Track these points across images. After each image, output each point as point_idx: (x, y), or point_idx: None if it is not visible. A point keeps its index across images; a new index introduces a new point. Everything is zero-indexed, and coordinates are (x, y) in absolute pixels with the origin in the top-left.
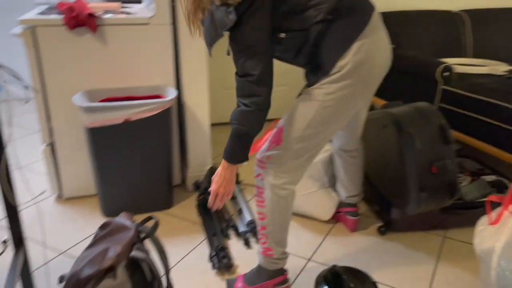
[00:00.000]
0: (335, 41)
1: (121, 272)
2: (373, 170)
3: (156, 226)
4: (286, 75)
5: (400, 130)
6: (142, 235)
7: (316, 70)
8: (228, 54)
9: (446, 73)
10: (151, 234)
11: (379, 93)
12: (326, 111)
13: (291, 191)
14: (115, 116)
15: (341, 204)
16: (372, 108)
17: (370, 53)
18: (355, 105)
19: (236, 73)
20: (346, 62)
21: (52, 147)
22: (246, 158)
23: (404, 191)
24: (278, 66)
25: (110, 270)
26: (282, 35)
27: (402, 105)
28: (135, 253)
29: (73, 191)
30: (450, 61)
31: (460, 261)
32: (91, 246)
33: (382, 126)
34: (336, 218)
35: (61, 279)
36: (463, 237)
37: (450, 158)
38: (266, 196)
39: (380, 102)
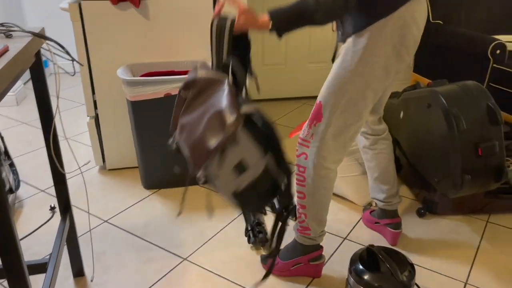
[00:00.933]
0: None
1: (240, 134)
2: (415, 150)
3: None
4: (320, 54)
5: (445, 110)
6: None
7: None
8: None
9: (498, 51)
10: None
11: (425, 72)
12: (360, 79)
13: (333, 171)
14: (157, 90)
15: (379, 214)
16: (416, 87)
17: (409, 22)
18: (388, 74)
19: None
20: (381, 25)
21: (96, 120)
22: (283, 33)
23: (447, 173)
24: (314, 43)
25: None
26: None
27: (448, 84)
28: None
29: (116, 163)
30: (503, 38)
31: (503, 247)
32: (187, 110)
33: (426, 105)
34: (375, 229)
35: (169, 145)
36: (508, 223)
37: (498, 139)
38: (308, 175)
39: (425, 80)
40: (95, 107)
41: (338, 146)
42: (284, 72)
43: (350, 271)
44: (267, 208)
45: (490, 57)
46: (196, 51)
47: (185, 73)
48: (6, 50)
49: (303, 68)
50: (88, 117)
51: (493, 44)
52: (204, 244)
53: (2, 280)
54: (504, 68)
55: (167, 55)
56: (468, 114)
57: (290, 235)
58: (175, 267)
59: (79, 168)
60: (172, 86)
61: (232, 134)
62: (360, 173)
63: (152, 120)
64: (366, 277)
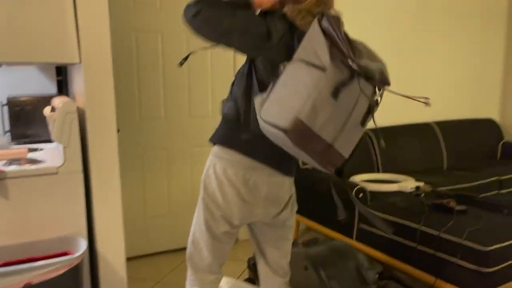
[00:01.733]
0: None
1: None
2: None
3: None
4: None
5: (319, 274)
6: None
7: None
8: None
9: (361, 194)
10: None
11: (305, 213)
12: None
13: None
14: (12, 282)
15: None
16: (294, 243)
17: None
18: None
19: None
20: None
21: None
22: None
23: None
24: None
25: None
26: None
27: (319, 244)
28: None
29: None
30: (363, 177)
31: None
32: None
33: (304, 268)
34: None
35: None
36: None
37: None
38: None
39: (308, 221)
40: None
41: (202, 260)
42: (167, 224)
43: None
44: None
45: (354, 201)
46: (63, 227)
47: (49, 256)
48: None
49: (189, 215)
50: None
51: (355, 189)
52: None
53: None
54: (368, 209)
55: (29, 235)
56: (341, 276)
57: None
58: None
59: None
60: (33, 275)
61: None
62: None
63: None
64: None
